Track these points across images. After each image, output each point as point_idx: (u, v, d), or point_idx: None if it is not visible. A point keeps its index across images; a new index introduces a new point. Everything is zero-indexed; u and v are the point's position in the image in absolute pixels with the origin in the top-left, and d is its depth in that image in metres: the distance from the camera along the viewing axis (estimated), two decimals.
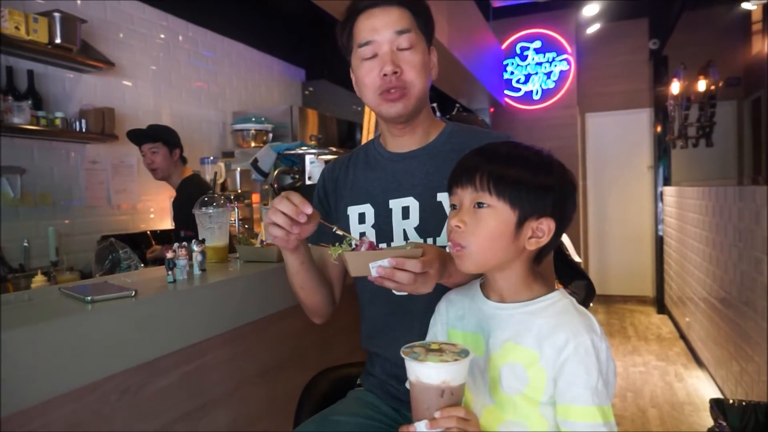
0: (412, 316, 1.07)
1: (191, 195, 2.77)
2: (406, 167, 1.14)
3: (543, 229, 0.82)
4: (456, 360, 0.73)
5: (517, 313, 0.84)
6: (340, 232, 0.91)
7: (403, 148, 1.16)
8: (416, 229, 1.10)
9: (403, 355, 0.75)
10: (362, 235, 1.12)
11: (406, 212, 1.12)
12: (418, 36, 1.07)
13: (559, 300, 0.85)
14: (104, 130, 3.02)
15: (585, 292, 1.99)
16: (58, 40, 2.65)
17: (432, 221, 1.09)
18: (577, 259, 2.23)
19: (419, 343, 0.79)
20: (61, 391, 0.82)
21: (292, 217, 0.91)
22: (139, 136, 2.84)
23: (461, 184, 0.84)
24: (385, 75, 1.04)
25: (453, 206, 0.87)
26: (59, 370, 0.80)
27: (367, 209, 1.15)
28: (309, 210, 0.91)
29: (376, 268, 0.83)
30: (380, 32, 1.05)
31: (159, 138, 2.80)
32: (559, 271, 2.23)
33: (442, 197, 1.08)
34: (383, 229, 1.13)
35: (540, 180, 0.82)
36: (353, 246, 0.86)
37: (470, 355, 0.75)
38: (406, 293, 1.06)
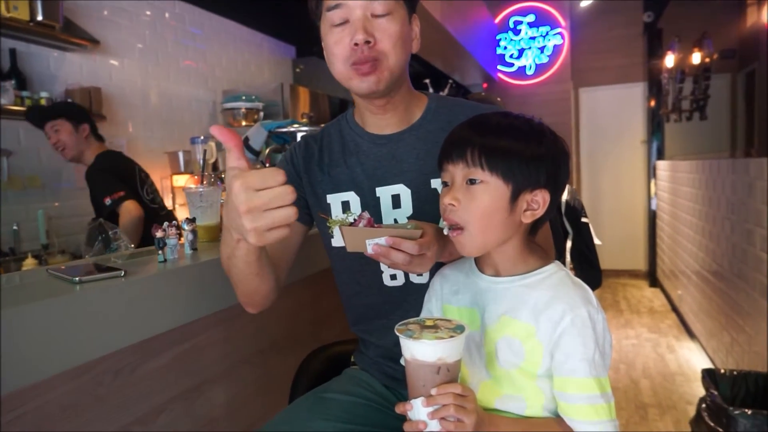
0: (407, 306, 1.03)
1: (104, 163, 2.56)
2: (393, 151, 1.05)
3: (538, 201, 0.81)
4: (452, 336, 0.72)
5: (512, 286, 0.84)
6: (322, 216, 0.89)
7: (386, 128, 1.06)
8: (409, 218, 1.03)
9: (397, 333, 0.74)
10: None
11: (396, 201, 1.04)
12: (397, 3, 0.96)
13: (555, 272, 0.84)
14: (91, 109, 2.96)
15: (591, 284, 2.02)
16: (40, 18, 2.58)
17: (427, 209, 1.00)
18: (597, 241, 2.25)
19: (414, 320, 0.78)
20: (52, 372, 0.81)
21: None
22: (38, 117, 2.59)
23: (452, 160, 0.81)
24: (356, 45, 0.93)
25: (444, 183, 0.85)
26: (49, 352, 0.79)
27: (351, 197, 1.06)
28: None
29: (373, 245, 0.82)
30: None
31: (60, 114, 2.56)
32: (578, 256, 2.24)
33: (437, 184, 1.00)
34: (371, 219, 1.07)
35: (532, 151, 0.80)
36: (351, 221, 0.84)
37: (466, 330, 0.74)
38: (400, 283, 1.05)
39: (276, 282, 1.00)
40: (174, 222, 1.11)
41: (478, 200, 0.79)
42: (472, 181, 0.80)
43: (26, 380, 0.77)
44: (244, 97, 3.86)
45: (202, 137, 3.26)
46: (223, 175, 1.72)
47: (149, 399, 1.12)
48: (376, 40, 0.94)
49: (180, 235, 1.14)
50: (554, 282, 0.82)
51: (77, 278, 0.87)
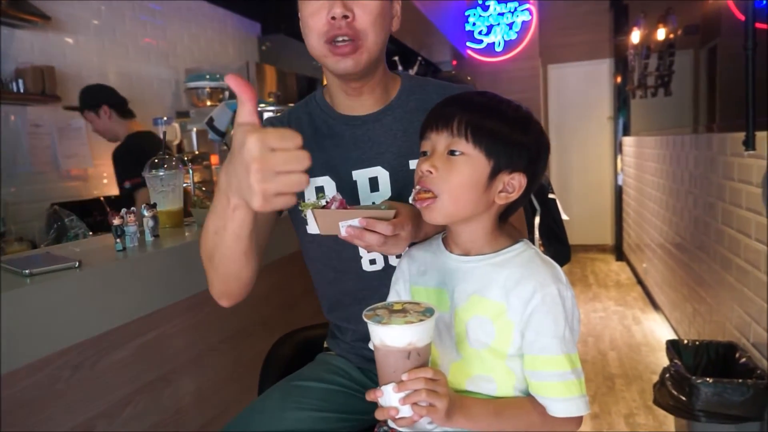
0: (386, 290, 0.98)
1: (132, 146, 2.64)
2: (369, 133, 1.01)
3: (514, 184, 0.80)
4: (421, 320, 0.70)
5: (481, 265, 0.83)
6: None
7: (360, 109, 1.02)
8: (388, 201, 0.98)
9: (365, 319, 0.72)
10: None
11: (374, 183, 1.01)
12: None
13: (524, 251, 0.83)
14: (45, 90, 2.83)
15: (560, 259, 2.04)
16: None
17: (406, 192, 0.95)
18: (564, 217, 2.27)
19: (381, 305, 0.77)
20: (4, 371, 0.77)
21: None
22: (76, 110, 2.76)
23: (437, 129, 0.80)
24: (333, 18, 0.88)
25: (423, 153, 0.82)
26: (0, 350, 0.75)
27: (326, 182, 1.02)
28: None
29: (346, 227, 0.80)
30: None
31: (82, 106, 2.70)
32: (546, 232, 2.27)
33: (415, 165, 0.96)
34: (349, 203, 1.02)
35: (517, 135, 0.79)
36: (324, 203, 0.82)
37: (435, 313, 0.73)
38: (379, 267, 1.02)
39: (256, 268, 0.94)
40: (132, 208, 1.06)
41: (456, 171, 0.78)
42: (453, 152, 0.78)
43: None
44: (208, 76, 3.74)
45: (165, 117, 3.15)
46: (186, 158, 1.66)
47: (113, 392, 1.09)
48: (355, 15, 0.89)
49: (139, 222, 1.09)
50: (524, 260, 0.82)
51: (27, 271, 0.82)
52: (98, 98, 2.68)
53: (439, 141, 0.80)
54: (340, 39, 0.90)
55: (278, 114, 1.11)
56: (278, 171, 0.64)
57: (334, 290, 1.09)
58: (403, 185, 0.99)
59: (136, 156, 2.50)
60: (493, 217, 0.83)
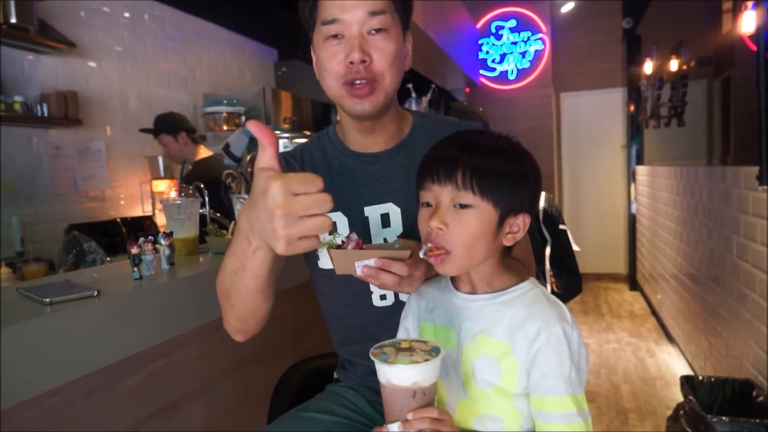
0: (396, 326, 0.99)
1: (197, 172, 2.81)
2: (382, 169, 1.02)
3: (519, 224, 0.81)
4: (426, 360, 0.71)
5: (488, 304, 0.83)
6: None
7: (374, 147, 1.03)
8: (399, 237, 1.01)
9: (372, 357, 0.73)
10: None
11: (386, 220, 1.02)
12: (393, 19, 0.93)
13: (530, 289, 0.84)
14: (68, 114, 2.91)
15: (572, 290, 2.04)
16: (13, 20, 2.52)
17: (417, 229, 0.95)
18: (575, 248, 2.27)
19: (389, 342, 0.77)
20: (20, 399, 0.78)
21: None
22: (153, 132, 3.02)
23: (439, 181, 0.79)
24: (351, 63, 0.90)
25: (425, 203, 0.82)
26: (18, 377, 0.76)
27: (338, 217, 1.02)
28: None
29: (362, 267, 0.82)
30: (350, 11, 0.90)
31: (159, 131, 2.96)
32: (557, 262, 2.26)
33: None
34: (360, 238, 1.03)
35: (519, 175, 0.79)
36: (339, 243, 0.83)
37: (441, 352, 0.73)
38: (390, 303, 1.03)
39: (272, 303, 0.95)
40: (150, 237, 1.08)
41: (466, 225, 0.78)
42: (461, 205, 0.78)
43: None
44: (225, 101, 3.82)
45: None
46: (202, 185, 1.69)
47: (124, 418, 1.10)
48: (372, 59, 0.91)
49: (156, 251, 1.11)
50: (529, 299, 0.82)
51: (48, 299, 0.85)
52: (178, 125, 2.96)
53: (443, 194, 0.79)
54: (358, 82, 0.92)
55: (291, 149, 1.13)
56: (302, 215, 0.66)
57: (345, 325, 1.10)
58: (414, 221, 0.99)
59: (211, 179, 2.68)
60: (498, 256, 0.84)
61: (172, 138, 2.95)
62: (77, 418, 0.99)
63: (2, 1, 2.48)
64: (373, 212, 1.02)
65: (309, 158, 1.08)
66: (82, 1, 3.17)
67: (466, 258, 0.80)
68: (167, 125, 2.97)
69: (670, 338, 4.07)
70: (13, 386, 0.76)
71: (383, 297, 1.04)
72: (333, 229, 1.01)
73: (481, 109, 2.57)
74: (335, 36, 0.92)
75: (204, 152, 3.03)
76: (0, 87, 2.64)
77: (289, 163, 1.09)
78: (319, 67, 0.98)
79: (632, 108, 5.87)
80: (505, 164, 0.79)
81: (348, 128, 1.04)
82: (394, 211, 1.02)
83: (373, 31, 0.91)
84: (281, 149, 2.80)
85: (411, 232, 0.99)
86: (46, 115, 2.80)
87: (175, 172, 3.46)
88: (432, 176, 0.79)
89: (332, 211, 1.01)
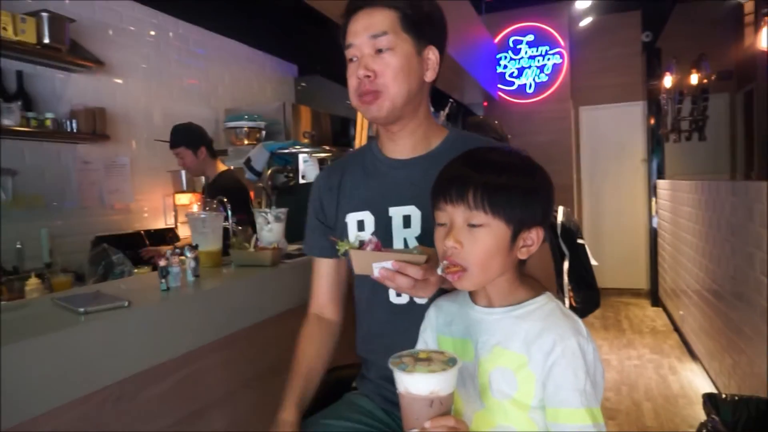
0: (409, 325, 1.04)
1: (224, 182, 2.82)
2: (408, 174, 1.11)
3: (533, 237, 0.83)
4: (444, 369, 0.73)
5: (504, 317, 0.85)
6: (332, 239, 0.92)
7: (403, 154, 1.13)
8: (417, 238, 1.08)
9: (391, 367, 0.75)
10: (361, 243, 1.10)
11: (407, 221, 1.10)
12: (399, 38, 1.03)
13: (546, 303, 0.86)
14: (95, 130, 3.01)
15: (590, 304, 2.04)
16: (46, 40, 2.63)
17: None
18: (594, 262, 2.27)
19: (407, 353, 0.79)
20: (56, 404, 0.82)
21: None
22: (169, 143, 2.94)
23: (451, 201, 0.81)
24: (359, 79, 1.04)
25: (441, 224, 0.85)
26: (54, 383, 0.80)
27: (366, 216, 1.12)
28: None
29: (379, 269, 0.86)
30: (359, 35, 1.04)
31: (180, 143, 2.87)
32: (575, 277, 2.26)
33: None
34: (383, 236, 1.10)
35: (529, 190, 0.82)
36: (360, 245, 0.88)
37: (458, 363, 0.75)
38: (405, 301, 1.09)
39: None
40: (177, 250, 1.12)
41: (480, 243, 0.80)
42: (474, 225, 0.80)
43: (32, 413, 0.78)
44: (246, 116, 3.90)
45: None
46: (225, 199, 1.74)
47: (150, 424, 1.13)
48: (377, 73, 1.03)
49: (182, 263, 1.15)
50: (545, 313, 0.84)
51: (82, 309, 0.88)
52: (198, 139, 2.89)
53: (456, 214, 0.81)
54: (365, 93, 1.05)
55: (339, 159, 1.28)
56: None
57: (367, 320, 1.17)
58: (431, 224, 1.05)
59: (230, 194, 2.71)
60: (514, 269, 0.86)
61: (192, 152, 2.87)
62: (106, 424, 1.02)
63: (36, 23, 2.58)
64: (396, 213, 1.10)
65: (352, 162, 1.21)
66: (110, 21, 3.28)
67: (482, 274, 0.82)
68: (187, 138, 2.89)
69: (693, 355, 3.99)
70: (49, 392, 0.79)
71: (399, 294, 1.09)
72: (361, 227, 1.12)
73: (496, 122, 2.59)
74: (352, 59, 1.06)
75: (222, 166, 3.00)
76: (32, 104, 2.75)
77: (330, 174, 1.22)
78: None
79: (653, 122, 5.83)
80: (515, 179, 0.81)
81: (382, 136, 1.17)
82: (416, 213, 1.09)
83: (380, 50, 1.03)
84: (301, 163, 2.86)
85: (428, 233, 1.04)
86: (75, 130, 2.90)
87: (198, 186, 3.51)
88: (445, 197, 0.83)
89: (363, 209, 1.13)
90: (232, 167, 3.07)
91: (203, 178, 3.08)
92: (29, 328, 0.84)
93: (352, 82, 1.06)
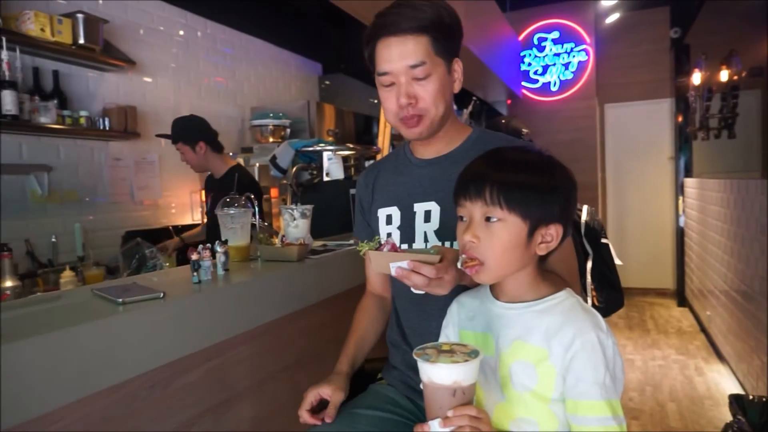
0: (427, 315, 1.12)
1: (240, 186, 2.58)
2: (431, 173, 1.18)
3: (552, 234, 0.85)
4: (466, 360, 0.76)
5: (525, 312, 0.87)
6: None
7: (429, 154, 1.20)
8: (436, 232, 1.14)
9: (415, 357, 0.78)
10: (388, 235, 1.19)
11: (428, 215, 1.16)
12: (434, 63, 1.08)
13: (566, 299, 0.87)
14: (126, 127, 3.09)
15: (613, 304, 2.03)
16: (81, 41, 2.71)
17: (452, 225, 1.08)
18: (618, 261, 2.25)
19: (431, 345, 0.82)
20: (96, 389, 0.87)
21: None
22: (170, 139, 2.79)
23: (470, 198, 0.85)
24: (401, 105, 1.08)
25: (461, 218, 0.89)
26: (94, 369, 0.84)
27: (394, 211, 1.21)
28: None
29: (396, 268, 0.90)
30: (395, 64, 1.07)
31: (177, 139, 2.72)
32: (598, 276, 2.25)
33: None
34: (406, 230, 1.18)
35: (547, 188, 0.84)
36: (378, 245, 0.93)
37: (480, 355, 0.77)
38: (423, 291, 1.13)
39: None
40: (207, 244, 1.17)
41: (497, 237, 0.83)
42: (490, 219, 0.83)
43: (73, 397, 0.83)
44: (271, 114, 3.96)
45: (231, 153, 3.36)
46: (252, 195, 1.78)
47: (181, 413, 1.17)
48: (418, 99, 1.08)
49: (213, 257, 1.19)
50: (565, 308, 0.86)
51: (120, 299, 0.93)
52: (196, 135, 2.69)
53: (474, 209, 0.85)
54: (408, 118, 1.10)
55: (375, 161, 1.38)
56: None
57: (394, 307, 1.27)
58: (450, 219, 1.13)
59: (250, 187, 2.46)
60: (534, 265, 0.88)
61: (190, 148, 2.68)
62: (141, 411, 1.07)
63: (72, 24, 2.67)
64: (420, 208, 1.18)
65: (386, 162, 1.31)
66: (141, 21, 3.37)
67: (499, 268, 0.85)
68: (183, 133, 2.70)
69: (720, 356, 3.93)
70: (90, 378, 0.84)
71: None
72: (389, 221, 1.20)
73: (514, 119, 2.58)
74: (389, 86, 1.10)
75: (230, 161, 2.82)
76: (67, 102, 2.84)
77: (367, 174, 1.32)
78: (381, 98, 1.16)
79: (680, 119, 5.72)
80: (533, 177, 0.84)
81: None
82: (435, 209, 1.15)
83: (418, 78, 1.07)
84: (325, 160, 2.89)
85: (446, 228, 1.13)
86: (107, 128, 2.98)
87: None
88: (465, 193, 0.86)
89: (392, 205, 1.22)
90: (238, 162, 2.94)
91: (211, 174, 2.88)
92: (70, 316, 0.89)
93: (391, 106, 1.11)
